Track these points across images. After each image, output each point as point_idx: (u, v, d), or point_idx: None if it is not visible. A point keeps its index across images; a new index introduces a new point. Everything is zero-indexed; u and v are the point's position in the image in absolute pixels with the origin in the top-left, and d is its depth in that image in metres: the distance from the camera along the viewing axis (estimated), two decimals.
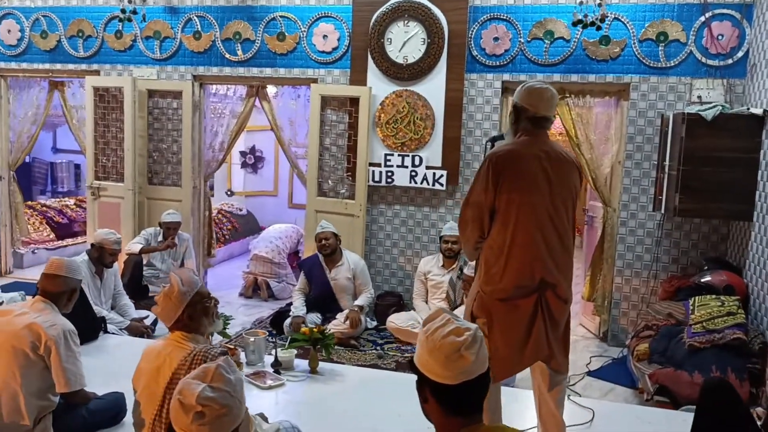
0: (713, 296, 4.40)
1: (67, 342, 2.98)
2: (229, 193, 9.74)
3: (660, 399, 4.02)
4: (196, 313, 2.60)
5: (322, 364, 4.15)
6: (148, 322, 5.24)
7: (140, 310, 5.33)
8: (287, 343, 4.20)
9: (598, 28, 4.88)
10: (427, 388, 1.68)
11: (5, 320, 2.96)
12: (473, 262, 4.40)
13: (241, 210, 9.21)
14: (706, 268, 4.83)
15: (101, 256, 4.99)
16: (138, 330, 5.01)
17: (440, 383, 1.63)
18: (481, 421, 1.69)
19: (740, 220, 4.71)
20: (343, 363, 4.59)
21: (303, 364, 4.15)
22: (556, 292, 2.80)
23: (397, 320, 5.40)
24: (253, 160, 9.78)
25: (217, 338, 4.50)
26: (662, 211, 5.01)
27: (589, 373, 4.81)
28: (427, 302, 5.58)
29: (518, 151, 2.76)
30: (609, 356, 5.17)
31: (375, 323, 5.69)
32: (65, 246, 8.10)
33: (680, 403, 3.91)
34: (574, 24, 4.86)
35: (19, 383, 2.84)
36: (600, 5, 4.83)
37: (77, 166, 10.93)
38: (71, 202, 9.06)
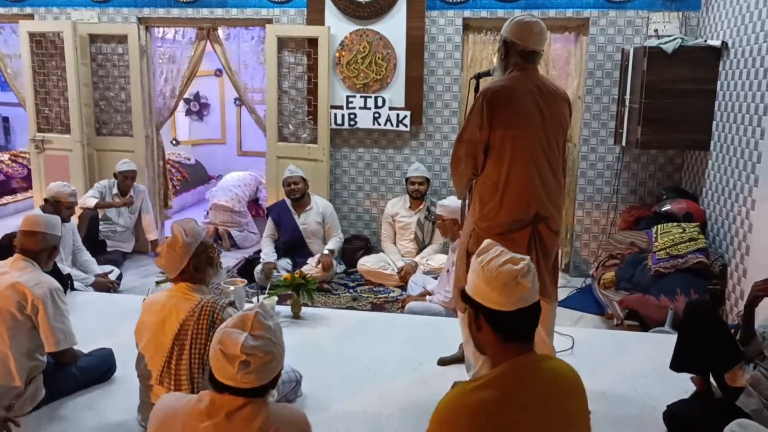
0: (674, 224, 4.62)
1: (54, 300, 2.87)
2: (174, 142, 9.39)
3: (630, 323, 4.24)
4: (201, 263, 2.55)
5: (304, 309, 4.16)
6: (112, 277, 5.11)
7: (103, 266, 5.17)
8: (267, 290, 4.17)
9: None
10: (482, 317, 1.72)
11: None
12: (445, 201, 4.47)
13: (189, 159, 8.93)
14: (665, 197, 5.05)
15: (57, 211, 4.74)
16: (104, 285, 4.88)
17: (497, 310, 1.67)
18: (533, 349, 1.74)
19: (699, 149, 4.91)
20: (318, 307, 4.60)
21: (284, 310, 4.15)
22: (549, 225, 2.87)
23: (367, 263, 5.43)
24: (198, 108, 9.43)
25: None
26: (623, 144, 5.16)
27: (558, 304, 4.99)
28: (395, 243, 5.63)
29: (512, 87, 2.76)
30: (573, 286, 5.38)
31: (343, 267, 5.71)
32: (5, 204, 7.70)
33: (649, 326, 4.14)
34: None
35: (8, 345, 2.72)
36: None
37: (5, 119, 10.29)
38: (5, 157, 8.56)
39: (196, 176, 8.75)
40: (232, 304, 2.54)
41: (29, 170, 8.39)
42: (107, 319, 4.05)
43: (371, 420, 2.88)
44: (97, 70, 6.05)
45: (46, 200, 4.82)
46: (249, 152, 9.35)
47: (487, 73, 3.17)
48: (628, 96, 4.99)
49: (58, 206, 4.74)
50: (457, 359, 3.49)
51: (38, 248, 2.98)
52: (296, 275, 4.10)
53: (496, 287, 1.68)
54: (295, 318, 4.07)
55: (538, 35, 2.82)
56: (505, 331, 1.72)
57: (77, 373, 3.06)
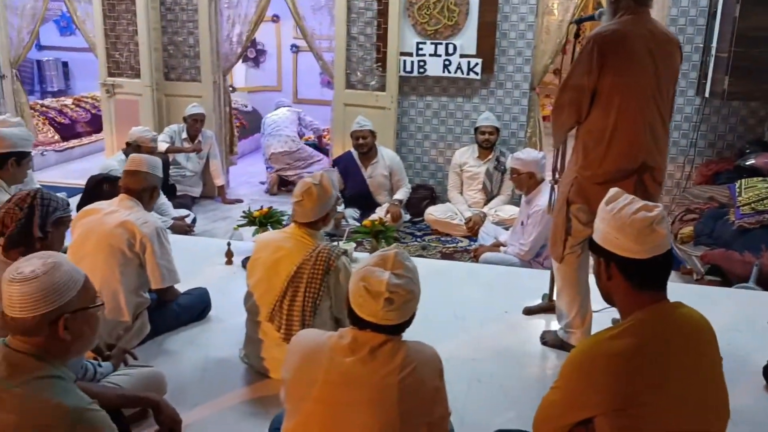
0: (759, 178, 4.49)
1: (160, 239, 2.95)
2: (231, 88, 9.38)
3: (711, 278, 4.18)
4: (329, 216, 2.67)
5: None
6: (188, 220, 5.22)
7: (179, 209, 5.29)
8: (345, 236, 4.21)
9: None
10: (614, 265, 1.71)
11: (96, 219, 2.90)
12: (520, 154, 4.41)
13: (246, 106, 8.95)
14: (748, 151, 4.90)
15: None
16: (182, 228, 4.99)
17: (630, 258, 1.66)
18: (666, 297, 1.73)
19: None
20: None
21: (362, 256, 4.19)
22: (653, 175, 2.81)
23: (435, 212, 5.44)
24: (254, 54, 9.40)
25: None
26: (705, 95, 4.99)
27: None
28: (462, 194, 5.61)
29: (624, 31, 2.66)
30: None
31: (408, 216, 5.72)
32: (71, 147, 7.87)
33: (731, 282, 4.08)
34: None
35: (118, 281, 2.82)
36: None
37: (65, 64, 10.42)
38: (69, 101, 8.70)
39: (253, 123, 8.76)
40: (345, 253, 2.59)
41: (93, 114, 8.59)
42: (190, 261, 4.13)
43: (465, 365, 2.92)
44: (166, 14, 6.06)
45: (128, 144, 4.92)
46: (304, 100, 9.34)
47: (591, 18, 3.08)
48: (714, 44, 4.80)
49: (139, 150, 4.82)
50: (543, 309, 3.50)
51: (141, 187, 3.04)
52: (376, 222, 4.13)
53: (630, 235, 1.66)
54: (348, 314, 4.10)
55: None
56: (638, 279, 1.70)
57: (178, 310, 3.17)
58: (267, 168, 6.80)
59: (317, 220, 2.63)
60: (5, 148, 3.31)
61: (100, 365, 2.39)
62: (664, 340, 1.66)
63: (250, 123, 8.67)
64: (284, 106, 7.33)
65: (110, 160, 4.99)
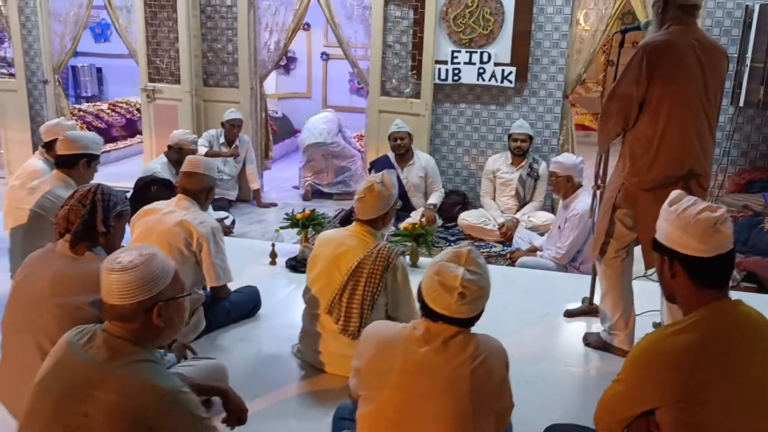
0: None
1: (216, 238, 3.07)
2: None
3: (747, 285, 4.22)
4: (389, 216, 2.76)
5: (421, 259, 4.29)
6: (227, 222, 5.34)
7: (217, 212, 5.41)
8: (385, 238, 4.30)
9: None
10: (677, 264, 1.78)
11: (155, 218, 3.02)
12: (559, 158, 4.48)
13: (276, 112, 9.10)
14: None
15: (180, 157, 4.96)
16: (222, 229, 5.09)
17: (695, 257, 1.73)
18: (728, 295, 1.80)
19: None
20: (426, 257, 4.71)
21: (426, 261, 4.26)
22: (700, 182, 2.87)
23: (469, 217, 5.51)
24: (285, 61, 9.55)
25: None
26: (739, 105, 5.03)
27: None
28: (494, 200, 5.68)
29: (673, 41, 2.74)
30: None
31: (440, 221, 5.80)
32: (107, 151, 8.04)
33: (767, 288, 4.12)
34: None
35: None
36: None
37: (99, 70, 10.65)
38: (105, 106, 8.91)
39: (284, 129, 8.93)
40: (403, 253, 2.69)
41: (127, 119, 8.79)
42: (235, 262, 4.24)
43: (512, 367, 2.98)
44: (206, 22, 6.22)
45: (169, 147, 5.06)
46: (334, 106, 9.43)
47: (637, 28, 3.15)
48: (749, 54, 4.84)
49: (180, 152, 4.96)
50: (584, 312, 3.57)
51: (197, 188, 3.16)
52: (416, 225, 4.23)
53: (695, 234, 1.73)
54: (413, 266, 4.20)
55: None
56: (701, 277, 1.76)
57: (230, 307, 3.29)
58: (301, 161, 6.84)
59: (377, 218, 2.74)
60: (78, 149, 3.45)
61: (165, 355, 2.49)
62: (725, 337, 1.73)
63: (281, 129, 8.83)
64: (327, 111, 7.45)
65: (153, 163, 5.13)
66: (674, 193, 1.92)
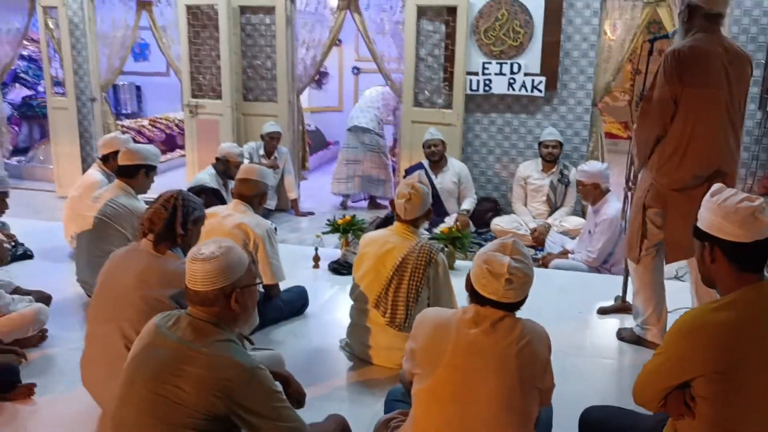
0: None
1: (271, 239, 3.29)
2: None
3: None
4: (430, 214, 3.02)
5: (457, 261, 4.47)
6: None
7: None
8: None
9: None
10: (717, 249, 1.93)
11: (216, 221, 3.25)
12: (584, 166, 4.62)
13: (309, 126, 9.36)
14: None
15: (227, 169, 5.26)
16: None
17: (735, 242, 1.88)
18: (764, 278, 1.95)
19: None
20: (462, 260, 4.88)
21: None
22: (726, 182, 3.00)
23: (501, 223, 5.68)
24: (317, 76, 9.82)
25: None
26: (766, 110, 5.13)
27: None
28: (526, 205, 5.84)
29: (701, 47, 2.90)
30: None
31: (473, 227, 5.96)
32: None
33: None
34: None
35: None
36: None
37: (138, 88, 11.06)
38: (146, 122, 9.27)
39: (317, 141, 9.19)
40: (442, 249, 2.88)
41: (167, 134, 9.15)
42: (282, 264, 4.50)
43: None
44: (246, 40, 6.51)
45: (217, 159, 5.32)
46: None
47: (665, 36, 3.32)
48: None
49: (227, 164, 5.23)
50: (617, 309, 3.72)
51: (252, 193, 3.40)
52: (453, 229, 4.41)
53: (735, 221, 1.89)
54: (450, 269, 4.37)
55: None
56: (740, 261, 1.92)
57: (282, 305, 3.51)
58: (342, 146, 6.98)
59: (419, 217, 2.94)
60: (138, 160, 3.72)
61: None
62: (762, 316, 1.89)
63: (314, 141, 9.09)
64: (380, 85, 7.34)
65: (202, 173, 5.39)
66: (716, 186, 2.07)
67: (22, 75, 9.37)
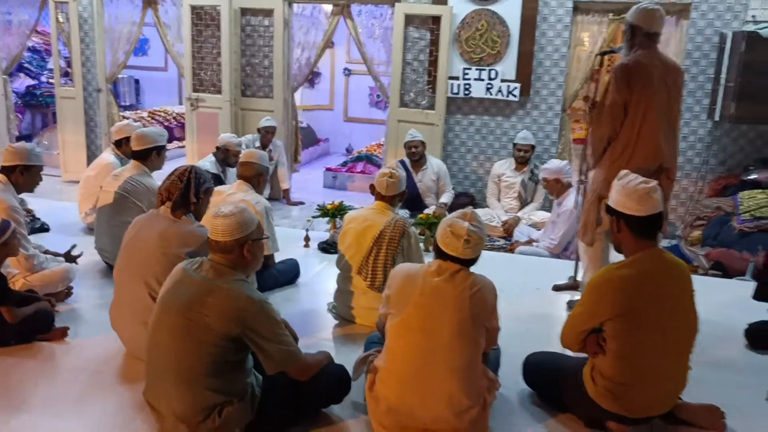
0: (759, 190, 5.20)
1: (268, 215, 3.79)
2: None
3: (714, 273, 4.88)
4: (401, 196, 3.50)
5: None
6: None
7: None
8: None
9: None
10: (622, 222, 2.48)
11: (220, 199, 3.73)
12: (547, 165, 5.17)
13: (302, 123, 9.86)
14: (752, 167, 5.60)
15: (226, 158, 5.75)
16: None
17: (635, 215, 2.43)
18: (657, 245, 2.49)
19: None
20: None
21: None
22: (668, 175, 3.55)
23: None
24: (311, 76, 10.33)
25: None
26: (715, 119, 5.72)
27: None
28: (499, 200, 6.38)
29: (643, 62, 3.43)
30: (660, 245, 5.99)
31: None
32: None
33: (731, 276, 4.77)
34: None
35: None
36: None
37: (137, 81, 11.51)
38: (145, 114, 9.72)
39: (308, 138, 9.71)
40: (413, 224, 3.41)
41: (165, 126, 9.58)
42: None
43: (507, 323, 3.64)
44: (245, 39, 7.00)
45: (217, 148, 5.81)
46: (354, 118, 10.25)
47: (612, 51, 3.87)
48: (723, 75, 5.54)
49: (227, 153, 5.72)
50: (569, 286, 4.25)
51: (252, 174, 3.90)
52: (430, 215, 4.94)
53: (635, 199, 2.44)
54: (426, 251, 4.89)
55: (659, 19, 3.50)
56: (639, 230, 2.47)
57: (276, 274, 4.00)
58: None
59: (396, 195, 3.44)
60: (149, 143, 4.19)
61: None
62: (654, 271, 2.44)
63: (306, 138, 9.59)
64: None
65: (203, 161, 5.87)
66: (621, 173, 2.62)
67: (26, 65, 9.78)
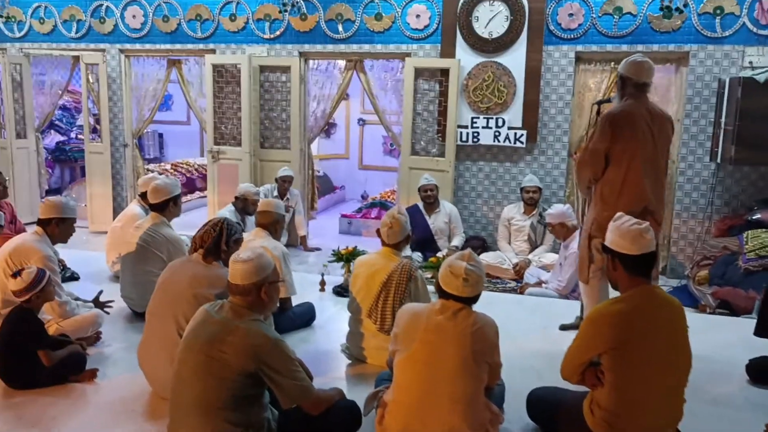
0: (764, 230, 5.32)
1: (285, 260, 4.01)
2: None
3: (721, 311, 4.98)
4: (407, 239, 3.66)
5: None
6: None
7: None
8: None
9: (679, 11, 5.80)
10: (617, 260, 2.65)
11: (243, 245, 3.97)
12: (551, 210, 5.36)
13: (318, 171, 10.19)
14: (755, 207, 5.74)
15: (245, 206, 6.03)
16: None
17: (629, 254, 2.60)
18: (651, 282, 2.66)
19: None
20: None
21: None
22: (655, 218, 3.73)
23: (487, 258, 6.37)
24: (327, 127, 10.71)
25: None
26: (718, 161, 5.89)
27: None
28: (510, 243, 6.55)
29: (629, 111, 3.66)
30: (670, 285, 6.11)
31: None
32: None
33: (738, 314, 4.87)
34: (661, 9, 5.85)
35: None
36: None
37: (160, 135, 11.98)
38: (168, 166, 10.12)
39: (325, 186, 10.00)
40: (419, 268, 3.59)
41: (187, 178, 9.96)
42: None
43: (513, 361, 3.79)
44: (264, 95, 7.37)
45: (236, 198, 6.09)
46: (369, 166, 10.55)
47: (607, 100, 4.09)
48: (723, 119, 5.74)
49: (245, 202, 5.99)
50: (576, 326, 4.38)
51: (270, 222, 4.14)
52: (441, 258, 5.12)
53: (629, 239, 2.61)
54: (434, 293, 5.06)
55: (648, 71, 3.73)
56: (633, 268, 2.64)
57: (293, 316, 4.20)
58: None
59: (400, 241, 3.63)
60: (166, 195, 4.45)
61: None
62: (647, 307, 2.59)
63: (323, 186, 9.90)
64: None
65: (222, 211, 6.13)
66: (617, 215, 2.80)
67: (56, 122, 10.29)
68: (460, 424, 2.54)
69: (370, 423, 2.84)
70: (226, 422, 2.48)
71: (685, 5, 5.80)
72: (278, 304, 4.04)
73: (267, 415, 2.64)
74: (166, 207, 4.49)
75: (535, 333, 4.31)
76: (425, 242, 6.51)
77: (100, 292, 4.26)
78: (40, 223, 3.86)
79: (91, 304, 4.07)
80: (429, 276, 5.05)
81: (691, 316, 4.84)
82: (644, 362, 2.55)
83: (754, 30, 5.90)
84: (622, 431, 2.60)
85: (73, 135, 10.55)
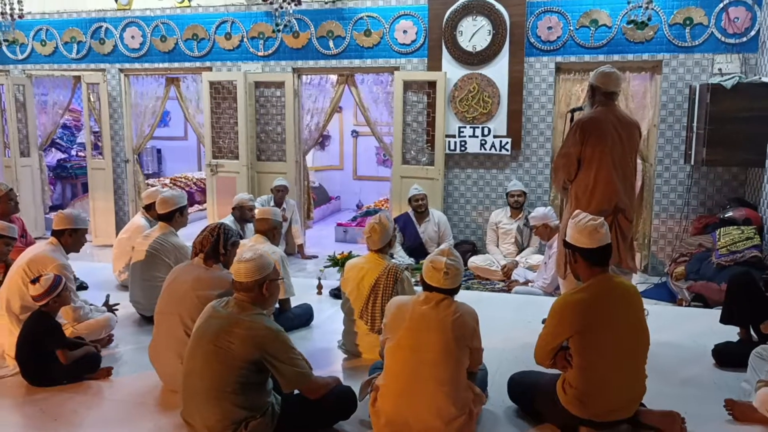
0: (734, 227, 5.62)
1: (284, 263, 4.30)
2: None
3: (696, 304, 5.27)
4: (393, 242, 3.96)
5: None
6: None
7: None
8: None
9: (645, 25, 6.12)
10: (577, 254, 2.95)
11: (242, 250, 4.25)
12: (533, 213, 5.67)
13: (314, 182, 10.48)
14: (728, 206, 6.05)
15: (242, 214, 6.31)
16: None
17: (586, 248, 2.90)
18: (608, 271, 2.95)
19: (755, 167, 5.92)
20: None
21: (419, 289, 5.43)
22: (625, 215, 4.03)
23: (477, 261, 6.66)
24: (321, 139, 11.02)
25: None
26: (692, 163, 6.21)
27: None
28: (498, 246, 6.85)
29: (598, 117, 3.97)
30: (650, 282, 6.41)
31: None
32: None
33: (711, 306, 5.16)
34: (629, 23, 6.21)
35: None
36: (647, 7, 6.07)
37: (159, 151, 12.27)
38: (167, 181, 10.40)
39: (320, 196, 10.30)
40: (406, 269, 3.88)
41: (187, 191, 10.24)
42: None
43: (501, 352, 4.09)
44: (259, 109, 7.67)
45: (233, 208, 6.37)
46: (363, 176, 10.85)
47: (579, 109, 4.40)
48: (695, 123, 6.06)
49: (242, 210, 6.28)
50: None
51: (267, 228, 4.44)
52: None
53: (586, 234, 2.91)
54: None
55: (615, 80, 4.05)
56: (590, 260, 2.93)
57: (292, 317, 4.47)
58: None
59: (384, 246, 3.92)
60: (173, 206, 4.74)
61: None
62: (606, 294, 2.89)
63: (319, 196, 10.19)
64: None
65: (224, 221, 6.40)
66: (575, 212, 3.10)
67: (57, 140, 10.57)
68: (446, 403, 2.82)
69: (364, 407, 3.11)
70: (233, 405, 2.76)
71: (650, 19, 6.14)
72: (278, 304, 4.39)
73: (270, 400, 2.92)
74: (173, 217, 4.78)
75: (520, 327, 4.60)
76: (416, 249, 6.80)
77: (108, 296, 4.54)
78: (54, 233, 4.14)
79: (104, 309, 4.35)
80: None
81: (668, 310, 5.21)
82: (607, 344, 2.84)
83: (722, 39, 6.24)
84: (592, 407, 2.88)
85: (73, 152, 10.84)
